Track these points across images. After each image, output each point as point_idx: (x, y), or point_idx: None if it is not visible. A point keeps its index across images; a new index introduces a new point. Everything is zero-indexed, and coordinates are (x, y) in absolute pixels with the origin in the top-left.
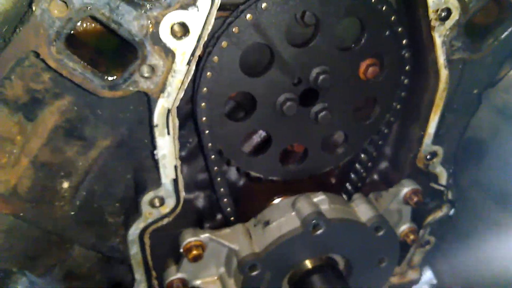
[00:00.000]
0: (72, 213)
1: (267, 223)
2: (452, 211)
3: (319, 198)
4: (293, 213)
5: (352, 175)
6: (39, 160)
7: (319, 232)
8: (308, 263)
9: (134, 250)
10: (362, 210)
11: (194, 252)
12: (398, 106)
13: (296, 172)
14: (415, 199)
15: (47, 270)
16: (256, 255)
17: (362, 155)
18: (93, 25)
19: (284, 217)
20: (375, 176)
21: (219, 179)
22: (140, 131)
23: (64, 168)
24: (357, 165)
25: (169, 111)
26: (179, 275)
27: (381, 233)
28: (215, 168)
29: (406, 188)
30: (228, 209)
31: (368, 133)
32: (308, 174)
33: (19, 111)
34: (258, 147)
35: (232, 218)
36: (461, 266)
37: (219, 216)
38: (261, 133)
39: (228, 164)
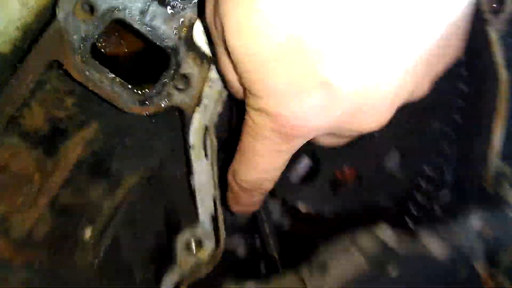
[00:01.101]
0: (95, 265)
1: (323, 268)
2: None
3: (384, 231)
4: (356, 252)
5: (411, 207)
6: (59, 203)
7: (389, 271)
8: None
9: None
10: (435, 245)
11: None
12: (457, 117)
13: (349, 204)
14: (490, 231)
15: None
16: None
17: (421, 181)
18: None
19: (345, 257)
20: (436, 207)
21: (264, 216)
22: (173, 160)
23: (87, 212)
24: (416, 194)
25: (206, 128)
26: None
27: (464, 272)
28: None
29: (477, 218)
30: (275, 255)
31: (426, 151)
32: (362, 206)
33: (39, 145)
34: (304, 178)
35: (279, 265)
36: None
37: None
38: (306, 162)
39: (272, 195)
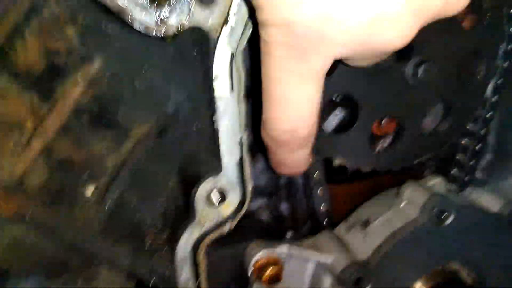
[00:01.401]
0: (99, 225)
1: (366, 223)
2: None
3: (434, 181)
4: (403, 204)
5: (454, 169)
6: (55, 154)
7: (447, 222)
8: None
9: (184, 274)
10: (488, 200)
11: (269, 271)
12: (506, 65)
13: (388, 160)
14: None
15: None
16: (363, 263)
17: (464, 140)
18: None
19: (390, 210)
20: (477, 174)
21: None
22: (192, 101)
23: (88, 168)
24: (459, 155)
25: (233, 56)
26: None
27: None
28: None
29: None
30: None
31: (474, 102)
32: (401, 164)
33: (32, 87)
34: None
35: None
36: None
37: (289, 233)
38: (342, 113)
39: None
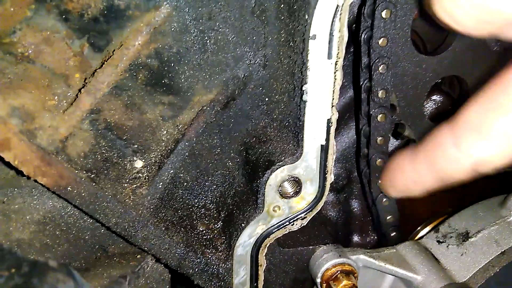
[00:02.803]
0: (150, 203)
1: (465, 237)
2: None
3: None
4: None
5: None
6: (102, 118)
7: None
8: None
9: (241, 275)
10: None
11: (344, 282)
12: None
13: None
14: None
15: (113, 282)
16: (463, 286)
17: None
18: None
19: (496, 224)
20: None
21: (379, 161)
22: (273, 66)
23: (138, 139)
24: None
25: (337, 9)
26: None
27: None
28: (379, 139)
29: None
30: (389, 216)
31: None
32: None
33: (85, 33)
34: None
35: (393, 234)
36: None
37: (355, 237)
38: (437, 99)
39: (396, 136)
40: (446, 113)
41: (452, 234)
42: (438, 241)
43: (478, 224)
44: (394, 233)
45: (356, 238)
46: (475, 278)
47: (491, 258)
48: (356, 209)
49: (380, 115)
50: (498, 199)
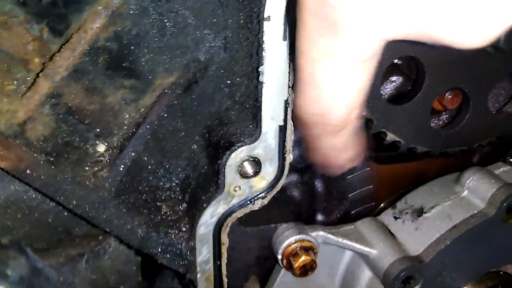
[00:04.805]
0: (112, 185)
1: (419, 212)
2: None
3: (503, 169)
4: (466, 192)
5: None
6: (62, 102)
7: None
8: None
9: (203, 254)
10: None
11: (303, 258)
12: None
13: (447, 140)
14: None
15: (69, 260)
16: (414, 260)
17: None
18: None
19: (450, 199)
20: None
21: None
22: (232, 48)
23: (100, 123)
24: None
25: None
26: None
27: None
28: None
29: None
30: (352, 194)
31: None
32: (461, 145)
33: (43, 17)
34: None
35: (356, 211)
36: None
37: (319, 216)
38: (396, 81)
39: None
40: (406, 94)
41: (408, 210)
42: (395, 217)
43: (433, 200)
44: (357, 209)
45: (320, 217)
46: (428, 251)
47: (443, 232)
48: (319, 189)
49: None
50: (453, 176)
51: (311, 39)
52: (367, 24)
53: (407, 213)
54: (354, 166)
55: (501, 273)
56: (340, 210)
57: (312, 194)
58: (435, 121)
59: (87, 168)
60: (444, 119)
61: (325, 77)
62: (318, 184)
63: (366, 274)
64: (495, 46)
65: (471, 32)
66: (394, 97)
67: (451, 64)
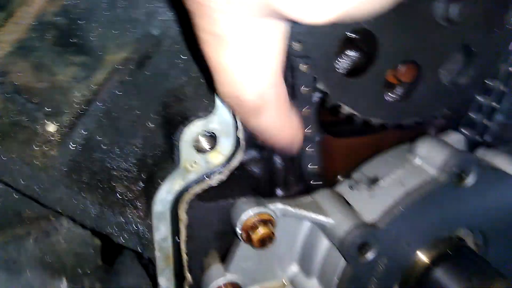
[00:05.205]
0: (63, 165)
1: (374, 181)
2: None
3: (453, 137)
4: (418, 160)
5: (464, 129)
6: (10, 81)
7: (469, 182)
8: (430, 252)
9: (161, 231)
10: (505, 163)
11: (262, 231)
12: None
13: (401, 112)
14: None
15: (15, 239)
16: (369, 226)
17: (480, 97)
18: None
19: (403, 168)
20: (486, 137)
21: None
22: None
23: (50, 102)
24: (472, 113)
25: None
26: (229, 277)
27: None
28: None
29: None
30: (312, 166)
31: (498, 54)
32: (415, 117)
33: None
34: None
35: (312, 182)
36: None
37: (279, 190)
38: (351, 55)
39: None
40: (362, 69)
41: (363, 179)
42: (351, 187)
43: (387, 169)
44: (316, 182)
45: (279, 192)
46: (382, 218)
47: (396, 199)
48: (279, 164)
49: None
50: (407, 146)
51: (194, 22)
52: (233, 5)
53: (362, 182)
54: (311, 141)
55: (453, 237)
56: (299, 184)
57: (271, 169)
58: (391, 94)
59: (36, 148)
60: (399, 92)
61: (223, 60)
62: (277, 160)
63: (324, 243)
64: (447, 18)
65: (310, 11)
66: (351, 71)
67: (403, 37)
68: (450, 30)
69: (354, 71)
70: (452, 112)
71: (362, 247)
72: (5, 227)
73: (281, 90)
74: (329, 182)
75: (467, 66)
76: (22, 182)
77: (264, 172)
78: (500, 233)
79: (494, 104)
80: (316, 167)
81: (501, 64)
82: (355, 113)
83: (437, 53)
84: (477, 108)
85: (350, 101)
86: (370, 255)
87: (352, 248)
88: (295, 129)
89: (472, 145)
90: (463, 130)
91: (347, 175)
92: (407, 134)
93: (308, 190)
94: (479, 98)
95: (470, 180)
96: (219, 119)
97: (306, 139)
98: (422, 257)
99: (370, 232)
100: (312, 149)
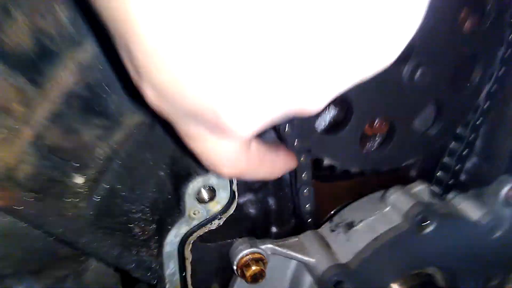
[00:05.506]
0: (90, 214)
1: (350, 226)
2: None
3: (419, 188)
4: (388, 208)
5: (439, 172)
6: (44, 143)
7: (427, 230)
8: (403, 283)
9: (170, 268)
10: (468, 208)
11: (254, 268)
12: (501, 72)
13: (377, 161)
14: None
15: (57, 281)
16: (344, 266)
17: (452, 144)
18: None
19: (374, 215)
20: (462, 177)
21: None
22: None
23: (78, 158)
24: (445, 158)
25: None
26: None
27: (497, 234)
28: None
29: (508, 185)
30: (308, 205)
31: (466, 107)
32: (390, 165)
33: (21, 69)
34: (330, 128)
35: (309, 220)
36: None
37: (274, 228)
38: (331, 111)
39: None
40: (340, 124)
41: (341, 223)
42: (332, 230)
43: (362, 215)
44: (310, 219)
45: (274, 229)
46: (354, 259)
47: (367, 243)
48: (272, 205)
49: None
50: (380, 193)
51: None
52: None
53: (341, 226)
54: (297, 189)
55: (423, 273)
56: (291, 223)
57: (266, 210)
58: (369, 144)
59: (67, 200)
60: (375, 142)
61: (197, 150)
62: (271, 201)
63: (307, 280)
64: (414, 81)
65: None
66: (331, 127)
67: (376, 96)
68: (417, 90)
69: (334, 126)
70: (426, 159)
71: (337, 284)
72: (45, 268)
73: (257, 158)
74: (318, 221)
75: (438, 118)
76: (57, 230)
77: (259, 213)
78: (466, 269)
79: (464, 150)
80: (311, 207)
81: (469, 116)
82: (335, 163)
83: (407, 109)
84: (450, 153)
85: (329, 154)
86: None
87: (328, 284)
88: (280, 168)
89: (447, 187)
90: (439, 174)
91: (330, 216)
92: (388, 178)
93: (301, 227)
94: (451, 145)
95: (430, 227)
96: (217, 175)
97: (304, 183)
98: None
99: (343, 271)
100: (308, 192)
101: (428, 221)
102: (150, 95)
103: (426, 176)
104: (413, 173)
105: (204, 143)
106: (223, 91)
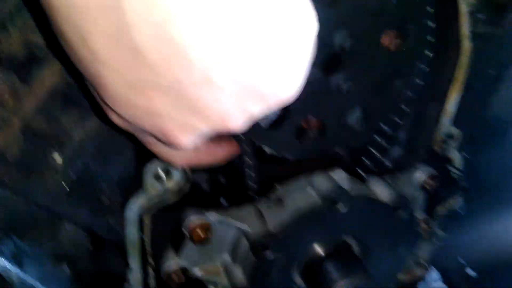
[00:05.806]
0: (66, 187)
1: (280, 201)
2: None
3: (339, 174)
4: (310, 190)
5: (365, 158)
6: (31, 128)
7: (340, 210)
8: (322, 249)
9: (131, 231)
10: (381, 191)
11: (200, 233)
12: (419, 81)
13: (311, 150)
14: (432, 184)
15: (36, 241)
16: (271, 233)
17: (377, 136)
18: None
19: (300, 194)
20: (387, 161)
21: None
22: None
23: (58, 141)
24: (371, 147)
25: None
26: (180, 262)
27: (402, 215)
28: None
29: (422, 172)
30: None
31: (386, 109)
32: (322, 154)
33: (14, 70)
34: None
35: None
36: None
37: (224, 201)
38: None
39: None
40: (279, 121)
41: (273, 200)
42: (267, 205)
43: (291, 194)
44: (253, 195)
45: (223, 202)
46: (279, 226)
47: (290, 215)
48: (222, 182)
49: None
50: (307, 177)
51: None
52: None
53: (273, 201)
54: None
55: (341, 241)
56: (237, 198)
57: (216, 186)
58: (307, 136)
59: (48, 175)
60: (310, 135)
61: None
62: (222, 179)
63: (244, 244)
64: (340, 89)
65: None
66: (273, 124)
67: (307, 101)
68: (345, 97)
69: (275, 122)
70: (354, 148)
71: (264, 248)
72: (26, 229)
73: (202, 151)
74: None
75: (363, 118)
76: (38, 199)
77: (211, 188)
78: (376, 245)
79: (386, 144)
80: (253, 185)
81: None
82: (275, 152)
83: (336, 111)
84: (375, 145)
85: (270, 145)
86: (269, 255)
87: (257, 248)
88: (223, 155)
89: (370, 173)
90: (365, 162)
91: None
92: (323, 164)
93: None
94: (376, 139)
95: (342, 208)
96: None
97: (247, 166)
98: (319, 249)
99: (270, 237)
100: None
101: (341, 203)
102: (114, 118)
103: (356, 163)
104: (345, 157)
105: (158, 148)
106: (166, 119)
